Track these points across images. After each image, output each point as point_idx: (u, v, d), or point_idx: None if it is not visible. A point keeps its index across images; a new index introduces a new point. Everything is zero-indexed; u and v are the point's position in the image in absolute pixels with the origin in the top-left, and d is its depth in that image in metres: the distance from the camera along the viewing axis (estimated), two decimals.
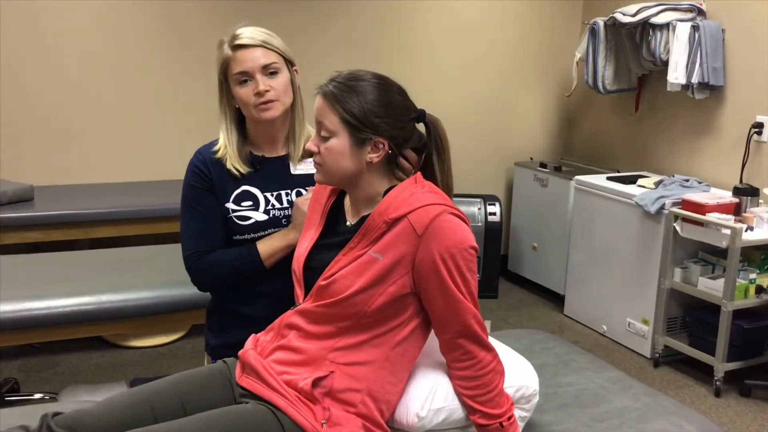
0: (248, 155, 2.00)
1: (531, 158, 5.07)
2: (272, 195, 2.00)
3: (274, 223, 1.98)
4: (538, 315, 4.49)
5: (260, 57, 1.88)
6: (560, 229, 4.56)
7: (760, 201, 3.76)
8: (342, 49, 4.48)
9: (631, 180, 4.21)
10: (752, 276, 3.59)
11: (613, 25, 4.32)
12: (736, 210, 3.69)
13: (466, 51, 4.86)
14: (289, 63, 1.97)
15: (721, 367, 3.55)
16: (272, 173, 2.01)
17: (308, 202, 1.84)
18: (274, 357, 1.66)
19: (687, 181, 4.00)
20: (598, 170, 4.67)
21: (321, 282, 1.62)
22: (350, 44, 4.53)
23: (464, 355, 1.61)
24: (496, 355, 1.64)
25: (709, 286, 3.60)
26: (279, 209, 1.99)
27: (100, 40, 3.98)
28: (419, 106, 1.69)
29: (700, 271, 3.71)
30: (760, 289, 3.59)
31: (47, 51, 3.88)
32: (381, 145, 1.60)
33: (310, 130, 2.00)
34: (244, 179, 1.98)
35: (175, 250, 3.42)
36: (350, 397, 1.58)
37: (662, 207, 3.77)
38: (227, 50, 1.91)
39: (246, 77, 1.88)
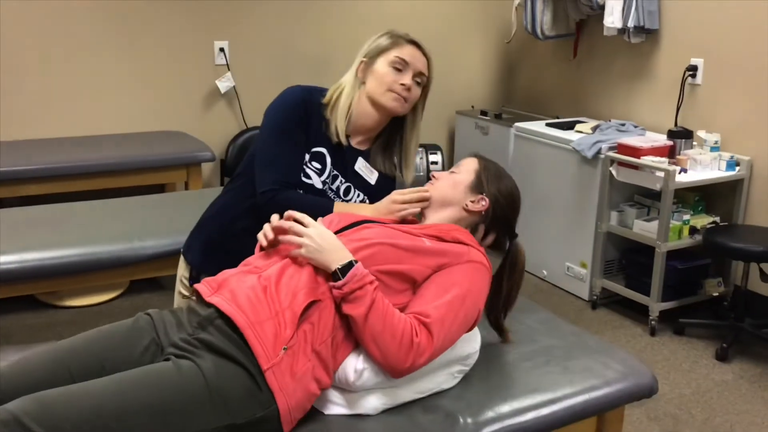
0: (344, 128, 2.03)
1: (472, 106, 5.06)
2: (333, 172, 2.04)
3: (322, 196, 2.03)
4: None
5: (423, 65, 2.04)
6: None
7: (694, 143, 3.82)
8: None
9: (570, 126, 4.23)
10: (686, 217, 3.65)
11: None
12: (671, 153, 3.73)
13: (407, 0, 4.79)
14: (426, 94, 2.10)
15: (655, 306, 3.63)
16: (342, 156, 2.05)
17: (405, 201, 1.91)
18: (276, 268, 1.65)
19: (623, 125, 4.03)
20: (538, 117, 4.68)
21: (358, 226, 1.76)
22: None
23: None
24: (429, 345, 1.60)
25: (644, 228, 3.66)
26: (330, 188, 2.04)
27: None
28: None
29: (636, 214, 3.77)
30: (693, 230, 3.66)
31: None
32: (483, 203, 1.85)
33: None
34: (325, 142, 2.02)
35: (108, 206, 3.40)
36: (322, 333, 1.58)
37: (598, 152, 3.80)
38: (399, 39, 2.05)
39: (402, 66, 2.00)
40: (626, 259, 3.92)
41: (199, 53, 4.25)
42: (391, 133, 2.14)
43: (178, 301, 2.24)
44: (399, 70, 1.99)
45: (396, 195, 1.93)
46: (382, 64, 2.00)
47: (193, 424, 1.44)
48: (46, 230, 2.99)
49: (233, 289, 1.62)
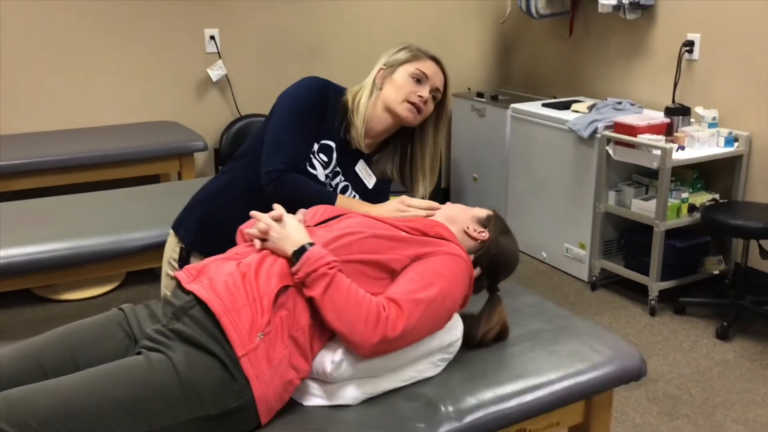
0: (363, 130, 2.05)
1: (469, 89, 5.00)
2: (336, 168, 2.05)
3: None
4: None
5: (440, 82, 2.06)
6: (499, 159, 4.52)
7: (692, 120, 3.76)
8: None
9: (566, 105, 4.17)
10: (684, 195, 3.61)
11: None
12: (668, 130, 3.68)
13: None
14: (444, 116, 2.13)
15: (655, 286, 3.59)
16: (348, 154, 2.08)
17: (413, 205, 1.95)
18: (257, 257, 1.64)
19: (620, 103, 3.98)
20: (535, 98, 4.62)
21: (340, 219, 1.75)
22: None
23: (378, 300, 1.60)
24: (400, 319, 1.57)
25: (642, 208, 3.62)
26: (330, 184, 2.04)
27: None
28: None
29: (634, 193, 3.72)
30: (692, 208, 3.61)
31: None
32: (483, 235, 1.85)
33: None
34: (334, 136, 2.03)
35: (101, 198, 3.39)
36: (299, 319, 1.56)
37: (595, 131, 3.75)
38: (421, 53, 2.06)
39: (422, 79, 2.03)
40: (625, 239, 3.88)
41: (190, 42, 4.21)
42: (404, 145, 2.17)
43: (165, 283, 2.22)
44: (418, 82, 2.02)
45: (406, 198, 1.97)
46: (402, 74, 2.03)
47: (165, 418, 1.42)
48: (40, 224, 2.99)
49: (212, 276, 1.61)
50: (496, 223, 1.91)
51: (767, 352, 3.27)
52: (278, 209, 1.72)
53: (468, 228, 1.87)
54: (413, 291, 1.62)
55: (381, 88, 2.05)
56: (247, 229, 1.73)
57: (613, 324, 3.53)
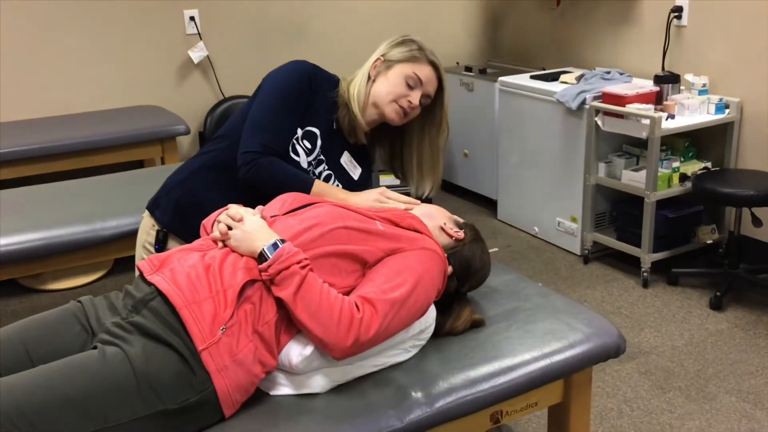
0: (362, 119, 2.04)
1: (457, 63, 4.92)
2: (319, 156, 2.03)
3: None
4: (472, 222, 4.43)
5: (433, 88, 2.04)
6: (489, 134, 4.45)
7: (682, 87, 3.68)
8: None
9: (554, 77, 4.09)
10: (675, 164, 3.54)
11: None
12: (658, 99, 3.61)
13: None
14: (429, 114, 2.11)
15: (647, 258, 3.54)
16: (332, 143, 2.06)
17: (393, 198, 1.95)
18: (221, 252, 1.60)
19: (608, 73, 3.90)
20: (524, 69, 4.53)
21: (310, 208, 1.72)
22: None
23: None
24: (374, 320, 1.53)
25: (633, 179, 3.56)
26: (313, 172, 2.02)
27: None
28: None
29: (624, 164, 3.66)
30: (684, 178, 3.55)
31: None
32: (459, 234, 1.85)
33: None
34: (320, 123, 2.00)
35: (83, 185, 3.34)
36: (265, 314, 1.52)
37: (583, 102, 3.68)
38: (422, 56, 2.02)
39: (415, 84, 2.00)
40: (617, 211, 3.82)
41: (169, 23, 4.14)
42: (394, 142, 2.16)
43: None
44: (411, 87, 1.99)
45: (386, 190, 1.97)
46: (397, 74, 2.00)
47: (120, 414, 1.38)
48: (21, 213, 2.95)
49: (174, 268, 1.57)
50: (473, 231, 1.89)
51: (761, 322, 3.22)
52: (237, 209, 1.67)
53: (445, 225, 1.85)
54: (388, 290, 1.57)
55: (374, 80, 2.02)
56: (211, 233, 1.69)
57: (606, 297, 3.49)
